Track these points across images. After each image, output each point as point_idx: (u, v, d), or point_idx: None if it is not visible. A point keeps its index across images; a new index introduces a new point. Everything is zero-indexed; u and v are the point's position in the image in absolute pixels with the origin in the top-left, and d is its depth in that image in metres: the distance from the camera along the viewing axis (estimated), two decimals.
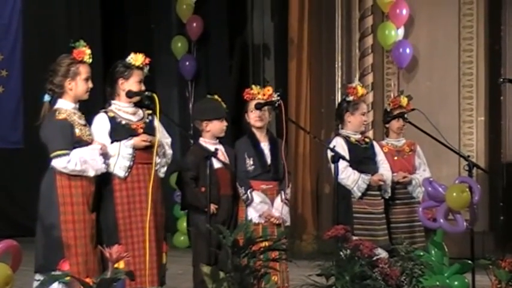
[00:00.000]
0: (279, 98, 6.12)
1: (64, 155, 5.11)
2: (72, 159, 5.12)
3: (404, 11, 9.48)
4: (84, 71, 5.28)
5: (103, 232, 5.37)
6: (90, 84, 5.32)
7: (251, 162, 6.10)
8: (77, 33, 11.13)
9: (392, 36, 9.51)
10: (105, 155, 5.30)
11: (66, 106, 5.26)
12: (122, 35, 11.79)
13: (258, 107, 6.13)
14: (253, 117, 6.15)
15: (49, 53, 10.76)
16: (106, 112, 5.52)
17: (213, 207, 5.74)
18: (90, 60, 5.32)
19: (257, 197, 6.05)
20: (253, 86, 6.24)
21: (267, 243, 5.00)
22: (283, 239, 5.14)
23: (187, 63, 11.20)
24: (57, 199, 5.14)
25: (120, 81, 5.54)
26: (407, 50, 9.48)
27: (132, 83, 5.52)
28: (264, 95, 6.13)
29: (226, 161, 5.97)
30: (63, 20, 11.84)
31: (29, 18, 11.58)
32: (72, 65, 5.26)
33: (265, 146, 6.17)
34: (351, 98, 6.57)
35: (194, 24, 11.13)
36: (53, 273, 4.94)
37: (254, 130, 6.20)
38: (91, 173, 5.20)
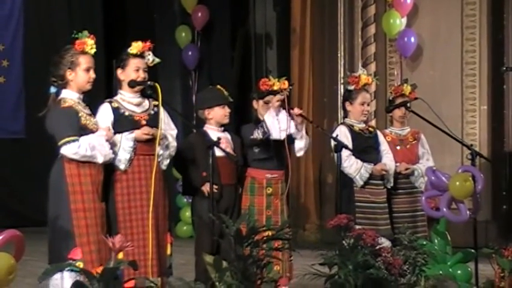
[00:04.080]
0: (286, 89, 6.15)
1: (73, 141, 5.10)
2: (82, 145, 5.10)
3: (408, 0, 9.46)
4: (84, 61, 5.25)
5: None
6: (93, 75, 5.29)
7: (258, 149, 6.11)
8: (79, 23, 11.11)
9: (397, 25, 9.50)
10: (111, 142, 5.29)
11: (70, 96, 5.25)
12: (124, 25, 11.78)
13: (261, 96, 6.16)
14: (264, 108, 6.17)
15: (50, 43, 10.81)
16: (110, 102, 5.50)
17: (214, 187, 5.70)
18: (93, 51, 5.29)
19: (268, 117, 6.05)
20: (270, 77, 6.24)
21: (270, 233, 4.98)
22: (286, 228, 5.11)
23: (190, 52, 11.20)
24: (66, 188, 5.12)
25: (119, 71, 5.52)
26: (412, 39, 9.46)
27: (129, 72, 5.47)
28: (279, 88, 6.13)
29: (230, 150, 5.96)
30: (65, 10, 11.83)
31: (30, 8, 11.57)
32: (73, 55, 5.24)
33: None
34: (351, 87, 6.57)
35: (199, 14, 11.13)
36: (65, 263, 4.92)
37: (260, 117, 6.21)
38: (100, 159, 5.18)
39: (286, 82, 6.20)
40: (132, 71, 5.48)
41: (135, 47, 5.47)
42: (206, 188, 5.77)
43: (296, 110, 6.11)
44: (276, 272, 5.71)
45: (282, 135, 6.03)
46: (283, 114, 6.05)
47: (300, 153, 6.29)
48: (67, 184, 5.13)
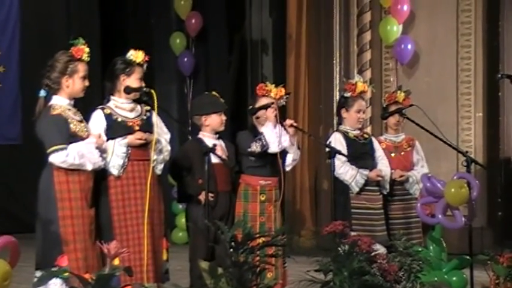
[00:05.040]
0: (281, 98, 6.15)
1: (62, 149, 5.10)
2: (70, 153, 5.10)
3: (405, 7, 9.49)
4: (82, 69, 5.27)
5: (101, 228, 5.37)
6: (87, 83, 5.31)
7: (253, 157, 6.10)
8: (76, 29, 11.13)
9: (394, 32, 9.52)
10: (101, 149, 5.29)
11: (61, 102, 5.25)
12: (121, 31, 11.78)
13: (252, 112, 6.16)
14: (259, 121, 6.17)
15: (47, 48, 10.76)
16: (103, 109, 5.51)
17: (210, 195, 5.71)
18: (88, 59, 5.32)
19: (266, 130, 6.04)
20: (267, 83, 6.24)
21: (264, 239, 4.98)
22: (281, 235, 5.12)
23: (185, 59, 11.21)
24: (55, 195, 5.13)
25: (122, 77, 5.53)
26: (409, 46, 9.49)
27: (133, 80, 5.52)
28: (276, 94, 6.13)
29: (225, 156, 5.96)
30: (62, 15, 11.83)
31: (27, 14, 11.56)
32: (71, 62, 5.25)
33: None
34: (348, 94, 6.57)
35: (193, 21, 11.14)
36: (52, 269, 4.93)
37: (257, 124, 6.22)
38: (89, 167, 5.19)
39: (283, 89, 6.20)
40: (136, 79, 5.54)
41: (138, 56, 5.53)
42: (203, 196, 5.77)
43: (288, 121, 6.12)
44: (272, 278, 5.72)
45: (279, 148, 6.04)
46: (278, 126, 6.06)
47: (289, 168, 6.28)
48: (55, 191, 5.13)
